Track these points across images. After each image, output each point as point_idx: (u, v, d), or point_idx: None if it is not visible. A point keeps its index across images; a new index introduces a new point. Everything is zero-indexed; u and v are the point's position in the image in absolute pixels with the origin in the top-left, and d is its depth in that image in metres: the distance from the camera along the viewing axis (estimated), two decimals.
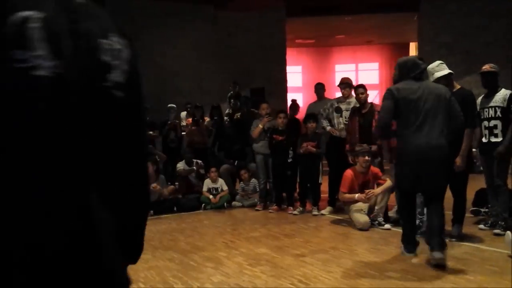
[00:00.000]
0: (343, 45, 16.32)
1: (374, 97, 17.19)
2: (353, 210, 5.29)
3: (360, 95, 5.77)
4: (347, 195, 5.39)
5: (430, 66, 4.79)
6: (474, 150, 4.96)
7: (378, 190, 5.28)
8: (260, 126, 6.57)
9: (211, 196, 6.75)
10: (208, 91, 10.76)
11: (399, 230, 5.11)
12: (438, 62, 4.78)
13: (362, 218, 5.20)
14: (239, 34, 11.72)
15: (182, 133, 8.41)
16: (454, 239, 4.56)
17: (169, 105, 8.70)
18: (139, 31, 9.97)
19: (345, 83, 6.27)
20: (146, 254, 4.37)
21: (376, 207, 5.28)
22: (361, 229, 5.14)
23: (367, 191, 5.26)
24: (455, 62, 10.19)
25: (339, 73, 15.47)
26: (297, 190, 6.53)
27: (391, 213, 5.72)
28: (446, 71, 4.68)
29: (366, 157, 5.35)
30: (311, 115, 6.39)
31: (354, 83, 6.61)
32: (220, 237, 4.97)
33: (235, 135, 7.35)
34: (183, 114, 8.99)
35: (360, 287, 3.33)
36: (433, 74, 4.72)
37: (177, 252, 4.41)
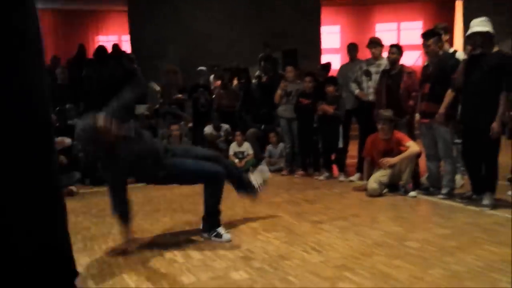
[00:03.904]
0: (384, 3, 15.52)
1: (416, 58, 16.43)
2: (371, 177, 5.13)
3: (391, 55, 5.47)
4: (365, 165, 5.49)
5: (474, 20, 4.44)
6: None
7: (394, 159, 5.06)
8: (279, 91, 6.42)
9: (236, 160, 6.69)
10: (239, 53, 10.53)
11: (427, 198, 4.94)
12: (484, 17, 4.42)
13: (370, 184, 5.08)
14: None
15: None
16: (485, 208, 4.31)
17: (199, 67, 8.60)
18: None
19: (375, 42, 5.94)
20: (165, 217, 4.42)
21: (403, 175, 5.07)
22: (370, 196, 5.02)
23: (381, 159, 5.07)
24: (503, 21, 9.46)
25: (379, 33, 14.78)
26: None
27: (423, 180, 5.49)
28: (485, 28, 4.32)
29: (381, 125, 5.13)
30: (330, 78, 6.20)
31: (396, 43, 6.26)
32: (240, 202, 4.90)
33: (262, 98, 7.20)
34: (211, 77, 8.89)
35: (374, 256, 3.19)
36: (472, 27, 4.38)
37: (195, 216, 4.38)
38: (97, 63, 8.39)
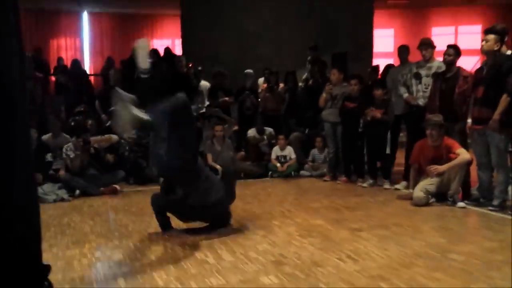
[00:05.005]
0: (441, 5, 14.91)
1: (475, 63, 15.62)
2: (418, 185, 4.89)
3: (447, 56, 5.19)
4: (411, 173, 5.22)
5: None
6: None
7: (443, 167, 4.80)
8: (323, 94, 6.28)
9: (278, 164, 6.62)
10: (288, 55, 10.41)
11: (477, 209, 4.66)
12: None
13: (416, 193, 4.84)
14: None
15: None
16: None
17: (246, 70, 8.60)
18: None
19: (426, 43, 5.67)
20: None
21: (452, 185, 4.80)
22: (415, 205, 4.79)
23: (429, 167, 4.82)
24: None
25: (436, 37, 14.18)
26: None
27: (473, 190, 5.18)
28: None
29: (429, 130, 4.88)
30: (378, 81, 5.97)
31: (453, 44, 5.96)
32: (278, 206, 4.86)
33: (308, 102, 7.08)
34: (261, 80, 8.83)
35: (414, 268, 3.02)
36: None
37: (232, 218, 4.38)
38: (149, 65, 8.62)
